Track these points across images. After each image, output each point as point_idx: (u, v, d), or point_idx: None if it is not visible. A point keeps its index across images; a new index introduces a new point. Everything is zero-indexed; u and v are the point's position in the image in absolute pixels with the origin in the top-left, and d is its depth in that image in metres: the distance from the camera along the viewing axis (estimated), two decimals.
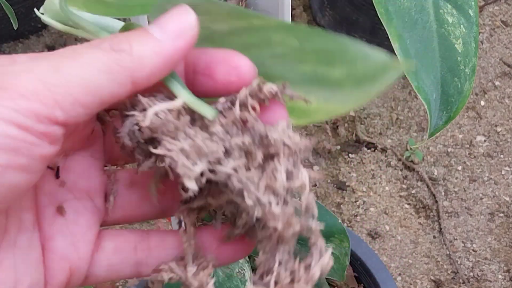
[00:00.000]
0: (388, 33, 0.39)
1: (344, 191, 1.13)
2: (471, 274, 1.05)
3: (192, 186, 0.21)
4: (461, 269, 1.05)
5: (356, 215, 1.10)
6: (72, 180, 0.26)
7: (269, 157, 0.22)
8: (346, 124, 1.20)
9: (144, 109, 0.23)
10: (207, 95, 0.24)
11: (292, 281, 0.22)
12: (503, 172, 1.16)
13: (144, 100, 0.23)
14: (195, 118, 0.23)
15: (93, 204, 0.26)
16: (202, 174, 0.22)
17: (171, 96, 0.23)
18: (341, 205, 1.11)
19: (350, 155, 1.17)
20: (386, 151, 1.18)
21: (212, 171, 0.22)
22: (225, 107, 0.23)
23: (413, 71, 0.40)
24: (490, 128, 1.21)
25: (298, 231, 0.22)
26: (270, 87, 0.23)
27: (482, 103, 1.24)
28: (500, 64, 1.29)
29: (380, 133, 1.20)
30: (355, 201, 1.12)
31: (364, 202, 1.12)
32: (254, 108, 0.23)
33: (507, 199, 1.13)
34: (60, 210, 0.25)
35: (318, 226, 0.22)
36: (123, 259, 0.26)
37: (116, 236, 0.26)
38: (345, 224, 1.09)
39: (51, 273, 0.24)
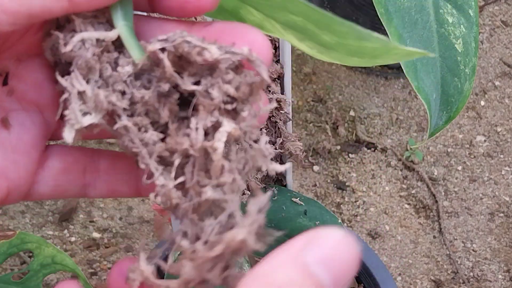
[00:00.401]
0: (388, 33, 0.39)
1: (344, 191, 1.13)
2: (471, 274, 1.05)
3: (68, 138, 0.19)
4: (461, 269, 1.05)
5: (356, 215, 1.10)
6: (22, 89, 0.23)
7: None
8: (346, 124, 1.20)
9: (74, 31, 0.20)
10: (158, 11, 0.22)
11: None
12: (503, 172, 1.16)
13: (77, 21, 0.20)
14: (123, 57, 0.20)
15: (42, 118, 0.24)
16: (92, 125, 0.20)
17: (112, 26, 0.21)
18: (341, 205, 1.11)
19: (350, 155, 1.17)
20: (386, 151, 1.18)
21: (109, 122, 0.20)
22: (158, 46, 0.20)
23: (413, 71, 0.40)
24: (490, 128, 1.21)
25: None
26: (207, 53, 0.20)
27: (482, 103, 1.24)
28: (500, 64, 1.29)
29: (380, 133, 1.20)
30: (355, 201, 1.12)
31: (364, 202, 1.12)
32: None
33: (507, 199, 1.13)
34: (4, 123, 0.23)
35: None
36: (70, 181, 0.24)
37: (64, 155, 0.24)
38: (345, 224, 1.09)
39: None
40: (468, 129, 1.21)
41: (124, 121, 0.20)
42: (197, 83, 0.20)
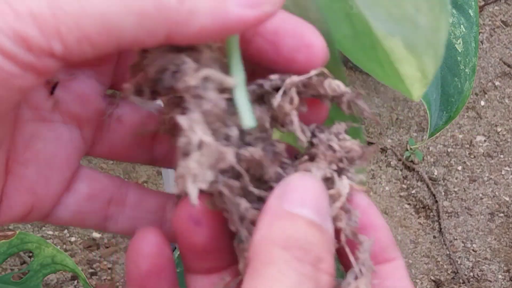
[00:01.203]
0: None
1: None
2: (471, 274, 1.05)
3: (193, 196, 0.18)
4: (461, 269, 1.05)
5: None
6: (67, 100, 0.21)
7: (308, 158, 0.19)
8: None
9: (197, 62, 0.18)
10: (261, 61, 0.20)
11: None
12: (503, 172, 1.16)
13: (206, 54, 0.18)
14: (230, 112, 0.19)
15: (80, 134, 0.22)
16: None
17: (221, 64, 0.19)
18: None
19: None
20: (386, 151, 1.17)
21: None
22: (263, 90, 0.19)
23: None
24: (490, 128, 1.21)
25: None
26: (335, 84, 0.19)
27: (482, 103, 1.24)
28: (500, 64, 1.29)
29: (380, 133, 1.20)
30: None
31: None
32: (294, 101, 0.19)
33: (507, 199, 1.13)
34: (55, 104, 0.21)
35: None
36: (93, 209, 0.22)
37: (93, 180, 0.22)
38: None
39: (10, 204, 0.20)
40: (468, 129, 1.21)
41: (222, 185, 0.18)
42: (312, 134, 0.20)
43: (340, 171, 0.20)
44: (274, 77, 0.19)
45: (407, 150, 1.18)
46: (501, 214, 1.11)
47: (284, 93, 0.19)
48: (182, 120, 0.18)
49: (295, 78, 0.19)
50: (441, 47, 0.24)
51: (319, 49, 0.19)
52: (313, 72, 0.19)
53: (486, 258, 1.06)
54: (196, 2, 0.17)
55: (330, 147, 0.19)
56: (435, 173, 1.15)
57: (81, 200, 0.22)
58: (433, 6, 0.23)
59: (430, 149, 1.18)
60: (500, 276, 1.05)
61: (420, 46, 0.24)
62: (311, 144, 0.20)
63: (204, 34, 0.17)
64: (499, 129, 1.21)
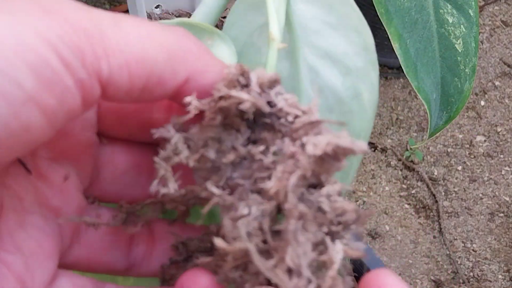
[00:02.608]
0: (388, 33, 0.39)
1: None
2: (471, 274, 1.05)
3: None
4: (461, 269, 1.05)
5: None
6: (46, 193, 0.21)
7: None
8: None
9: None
10: None
11: None
12: (503, 172, 1.16)
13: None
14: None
15: (58, 230, 0.21)
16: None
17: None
18: None
19: None
20: (386, 151, 1.17)
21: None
22: None
23: (413, 71, 0.40)
24: (490, 128, 1.21)
25: None
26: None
27: (482, 103, 1.24)
28: (500, 64, 1.29)
29: (380, 133, 1.20)
30: (355, 201, 1.12)
31: (364, 202, 1.12)
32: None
33: (507, 199, 1.13)
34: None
35: None
36: None
37: (72, 278, 0.21)
38: None
39: None
40: (468, 129, 1.21)
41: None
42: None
43: (333, 235, 0.19)
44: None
45: (407, 150, 1.18)
46: (501, 214, 1.11)
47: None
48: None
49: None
50: None
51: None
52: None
53: (486, 258, 1.06)
54: (210, 59, 0.19)
55: (320, 209, 0.18)
56: (435, 173, 1.15)
57: None
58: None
59: (430, 149, 1.18)
60: (500, 276, 1.05)
61: None
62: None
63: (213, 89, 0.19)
64: (499, 129, 1.21)
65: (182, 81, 0.18)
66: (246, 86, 0.19)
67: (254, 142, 0.20)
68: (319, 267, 0.18)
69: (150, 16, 1.15)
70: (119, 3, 1.31)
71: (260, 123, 0.20)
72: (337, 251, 0.18)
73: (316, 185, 0.19)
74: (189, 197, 0.21)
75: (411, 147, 1.17)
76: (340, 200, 0.19)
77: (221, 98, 0.19)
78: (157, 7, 1.18)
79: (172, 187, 0.19)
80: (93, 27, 0.16)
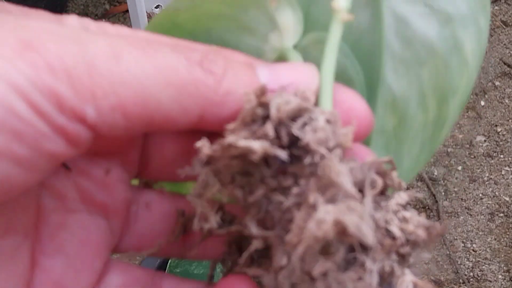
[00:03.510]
0: None
1: None
2: (471, 274, 1.05)
3: (370, 237, 0.15)
4: (461, 269, 1.05)
5: None
6: (90, 188, 0.19)
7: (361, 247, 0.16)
8: None
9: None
10: None
11: None
12: (503, 172, 1.16)
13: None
14: None
15: (107, 225, 0.20)
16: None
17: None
18: None
19: None
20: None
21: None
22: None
23: None
24: (490, 128, 1.21)
25: None
26: (400, 179, 0.17)
27: (482, 103, 1.24)
28: (500, 64, 1.29)
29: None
30: None
31: None
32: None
33: (507, 199, 1.13)
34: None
35: None
36: None
37: (124, 271, 0.21)
38: None
39: None
40: (468, 129, 1.21)
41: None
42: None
43: (401, 260, 0.16)
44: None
45: None
46: (501, 214, 1.11)
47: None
48: (335, 163, 0.16)
49: (371, 160, 0.17)
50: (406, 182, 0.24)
51: (366, 120, 0.18)
52: (383, 159, 0.17)
53: (486, 258, 1.06)
54: (233, 83, 0.16)
55: (388, 233, 0.16)
56: (435, 173, 1.15)
57: None
58: (421, 152, 0.23)
59: None
60: (500, 276, 1.05)
61: None
62: None
63: (235, 117, 0.16)
64: (499, 129, 1.21)
65: (195, 118, 0.16)
66: (266, 118, 0.16)
67: (284, 172, 0.17)
68: None
69: (150, 16, 1.15)
70: (119, 3, 1.31)
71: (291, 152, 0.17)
72: (407, 284, 0.16)
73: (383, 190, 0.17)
74: (234, 232, 0.19)
75: None
76: (410, 217, 0.16)
77: (230, 146, 0.16)
78: (157, 7, 1.18)
79: (214, 222, 0.18)
80: (81, 64, 0.14)
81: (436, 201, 1.11)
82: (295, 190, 0.16)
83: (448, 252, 1.07)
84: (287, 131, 0.16)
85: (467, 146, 1.19)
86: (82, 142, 0.15)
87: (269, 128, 0.16)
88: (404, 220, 0.17)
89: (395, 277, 0.16)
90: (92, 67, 0.14)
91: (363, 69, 0.21)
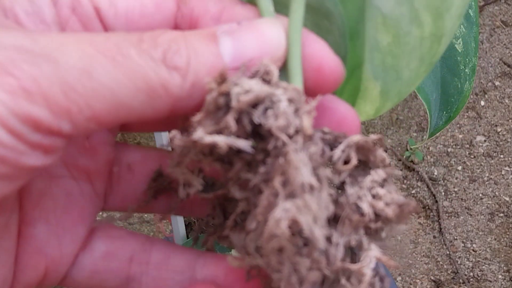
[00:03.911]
0: None
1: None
2: (471, 274, 1.05)
3: (320, 244, 0.16)
4: (461, 269, 1.05)
5: None
6: (72, 153, 0.20)
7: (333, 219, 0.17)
8: None
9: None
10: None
11: None
12: (503, 172, 1.16)
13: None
14: None
15: (92, 188, 0.21)
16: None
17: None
18: None
19: None
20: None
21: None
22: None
23: None
24: (490, 128, 1.21)
25: None
26: (384, 156, 0.18)
27: (482, 103, 1.24)
28: (500, 64, 1.29)
29: (380, 133, 1.20)
30: None
31: None
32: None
33: (507, 199, 1.13)
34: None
35: None
36: (112, 269, 0.21)
37: (111, 237, 0.21)
38: None
39: (22, 268, 0.19)
40: (468, 129, 1.21)
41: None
42: (341, 185, 0.18)
43: (372, 234, 0.17)
44: (328, 130, 0.18)
45: (407, 150, 1.18)
46: (501, 214, 1.11)
47: (342, 151, 0.18)
48: (294, 156, 0.16)
49: (356, 138, 0.18)
50: (406, 95, 0.25)
51: (336, 73, 0.19)
52: (373, 137, 0.18)
53: (486, 258, 1.06)
54: (198, 72, 0.17)
55: (358, 209, 0.17)
56: (435, 173, 1.15)
57: (98, 259, 0.20)
58: (420, 65, 0.24)
59: (430, 149, 1.18)
60: (500, 276, 1.05)
61: (392, 93, 0.25)
62: (336, 202, 0.17)
63: (202, 104, 0.17)
64: (499, 129, 1.21)
65: (165, 114, 0.17)
66: (228, 105, 0.17)
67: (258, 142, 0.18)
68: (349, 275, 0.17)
69: None
70: None
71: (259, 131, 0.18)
72: (371, 259, 0.17)
73: (364, 164, 0.18)
74: (218, 195, 0.20)
75: (411, 147, 1.17)
76: (383, 194, 0.17)
77: (196, 142, 0.17)
78: None
79: (198, 185, 0.19)
80: (56, 84, 0.15)
81: (436, 201, 1.11)
82: (262, 169, 0.17)
83: (448, 252, 1.06)
84: (249, 119, 0.17)
85: (467, 146, 1.19)
86: (59, 148, 0.16)
87: (230, 120, 0.17)
88: (377, 196, 0.17)
89: (362, 251, 0.17)
90: (66, 85, 0.15)
91: None
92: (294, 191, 0.16)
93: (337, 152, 0.18)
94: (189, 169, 0.19)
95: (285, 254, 0.16)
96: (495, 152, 1.18)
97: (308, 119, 0.17)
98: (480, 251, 1.07)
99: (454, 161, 1.17)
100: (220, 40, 0.18)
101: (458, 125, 1.21)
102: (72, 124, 0.15)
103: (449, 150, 1.18)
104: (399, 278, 1.04)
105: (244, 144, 0.17)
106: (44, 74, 0.15)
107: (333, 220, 0.17)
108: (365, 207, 0.17)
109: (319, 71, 0.19)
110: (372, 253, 0.17)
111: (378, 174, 0.18)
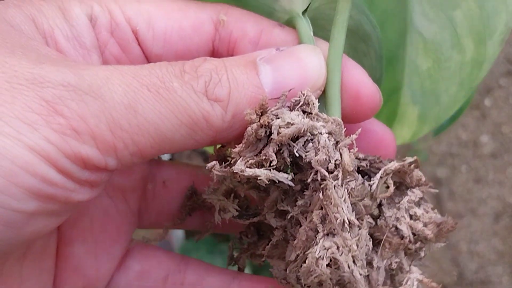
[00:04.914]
0: None
1: None
2: (476, 276, 1.04)
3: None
4: (466, 271, 1.04)
5: None
6: None
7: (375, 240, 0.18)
8: None
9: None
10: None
11: None
12: (507, 173, 1.15)
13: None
14: None
15: (127, 206, 0.21)
16: None
17: None
18: None
19: None
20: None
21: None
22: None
23: None
24: (494, 128, 1.20)
25: None
26: (420, 175, 0.19)
27: (487, 102, 1.23)
28: (505, 63, 1.28)
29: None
30: None
31: None
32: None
33: None
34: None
35: None
36: None
37: (147, 256, 0.21)
38: None
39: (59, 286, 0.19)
40: (472, 129, 1.20)
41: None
42: (378, 207, 0.18)
43: (411, 254, 0.18)
44: (362, 156, 0.19)
45: (410, 150, 1.17)
46: (506, 216, 1.10)
47: (379, 179, 0.18)
48: (334, 193, 0.17)
49: (394, 166, 0.18)
50: (444, 120, 0.25)
51: (374, 99, 0.19)
52: (408, 160, 0.19)
53: (491, 261, 1.05)
54: (239, 103, 0.17)
55: (398, 231, 0.17)
56: (439, 174, 1.14)
57: (133, 279, 0.21)
58: (460, 89, 0.24)
59: (434, 150, 1.17)
60: (505, 279, 1.04)
61: (430, 118, 0.25)
62: (375, 222, 0.18)
63: (242, 134, 0.18)
64: (503, 129, 1.20)
65: (207, 144, 0.18)
66: (269, 136, 0.17)
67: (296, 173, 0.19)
68: None
69: None
70: None
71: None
72: (413, 282, 0.17)
73: (400, 184, 0.19)
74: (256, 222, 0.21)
75: (415, 147, 1.16)
76: (421, 214, 0.17)
77: (236, 173, 0.17)
78: None
79: (233, 211, 0.19)
80: (103, 122, 0.15)
81: (440, 203, 1.11)
82: (300, 201, 0.18)
83: (451, 255, 1.06)
84: (289, 151, 0.17)
85: (471, 146, 1.18)
86: (104, 182, 0.17)
87: (271, 152, 0.17)
88: (415, 217, 0.18)
89: (403, 273, 0.18)
90: (113, 122, 0.15)
91: (390, 16, 0.22)
92: (333, 228, 0.16)
93: (375, 182, 0.18)
94: (225, 195, 0.20)
95: (325, 287, 0.17)
96: (499, 152, 1.17)
97: (348, 155, 0.17)
98: (484, 254, 1.06)
99: (458, 161, 1.16)
100: (260, 69, 0.18)
101: (462, 125, 1.20)
102: (118, 159, 0.16)
103: (452, 150, 1.17)
104: None
105: (285, 178, 0.17)
106: (92, 112, 0.15)
107: (372, 242, 0.18)
108: (405, 229, 0.17)
109: (357, 99, 0.19)
110: (414, 276, 0.17)
111: (414, 194, 0.18)
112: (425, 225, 0.18)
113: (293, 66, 0.18)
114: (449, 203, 1.11)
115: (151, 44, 0.19)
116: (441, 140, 1.18)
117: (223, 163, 0.18)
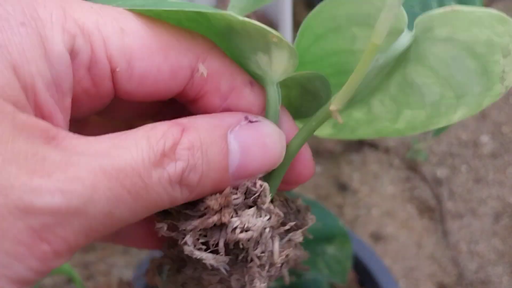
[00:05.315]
0: None
1: (346, 192, 1.12)
2: (476, 277, 1.04)
3: None
4: (466, 271, 1.04)
5: (359, 217, 1.09)
6: None
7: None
8: None
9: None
10: None
11: None
12: (507, 173, 1.15)
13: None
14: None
15: None
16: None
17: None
18: (343, 207, 1.10)
19: (352, 155, 1.16)
20: (389, 152, 1.16)
21: None
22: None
23: None
24: (494, 128, 1.20)
25: None
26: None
27: None
28: None
29: None
30: (357, 202, 1.11)
31: (366, 203, 1.11)
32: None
33: None
34: None
35: None
36: None
37: None
38: (347, 226, 1.07)
39: None
40: (472, 129, 1.20)
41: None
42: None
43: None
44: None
45: (410, 150, 1.17)
46: (506, 216, 1.10)
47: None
48: (258, 284, 0.20)
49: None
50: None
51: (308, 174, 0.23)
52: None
53: (490, 261, 1.05)
54: (203, 188, 0.18)
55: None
56: (439, 174, 1.14)
57: None
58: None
59: (434, 149, 1.17)
60: (505, 279, 1.04)
61: None
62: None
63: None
64: (503, 129, 1.20)
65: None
66: (222, 231, 0.20)
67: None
68: None
69: None
70: None
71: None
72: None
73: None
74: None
75: (414, 147, 1.16)
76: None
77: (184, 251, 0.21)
78: None
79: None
80: (81, 236, 0.16)
81: (440, 202, 1.11)
82: (223, 274, 0.21)
83: (452, 255, 1.06)
84: (236, 243, 0.20)
85: (471, 146, 1.18)
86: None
87: (221, 245, 0.20)
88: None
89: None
90: (90, 231, 0.16)
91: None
92: None
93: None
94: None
95: None
96: (499, 152, 1.17)
97: (278, 249, 0.20)
98: (484, 253, 1.06)
99: (458, 161, 1.16)
100: (230, 148, 0.19)
101: (462, 125, 1.20)
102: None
103: (452, 150, 1.17)
104: (402, 281, 1.03)
105: (225, 266, 0.20)
106: (74, 230, 0.16)
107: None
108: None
109: (299, 176, 0.22)
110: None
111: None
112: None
113: (259, 151, 0.19)
114: (449, 203, 1.11)
115: (125, 83, 0.19)
116: (441, 140, 1.18)
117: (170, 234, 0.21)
